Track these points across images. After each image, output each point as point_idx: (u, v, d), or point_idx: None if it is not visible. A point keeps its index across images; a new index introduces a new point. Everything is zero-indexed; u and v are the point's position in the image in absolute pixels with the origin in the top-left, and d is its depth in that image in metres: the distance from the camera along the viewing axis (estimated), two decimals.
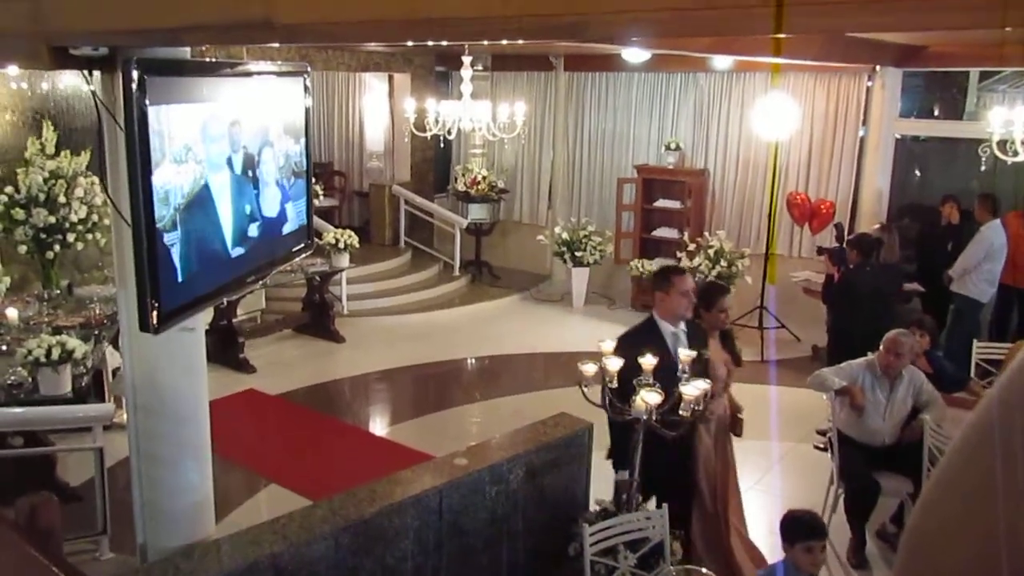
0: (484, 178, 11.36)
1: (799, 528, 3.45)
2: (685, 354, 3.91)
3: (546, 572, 4.26)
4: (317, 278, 8.95)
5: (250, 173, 3.42)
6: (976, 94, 9.33)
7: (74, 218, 6.79)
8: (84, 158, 7.00)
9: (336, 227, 9.70)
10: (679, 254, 9.77)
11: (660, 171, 10.41)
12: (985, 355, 6.30)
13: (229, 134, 3.24)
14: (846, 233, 8.43)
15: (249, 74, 3.51)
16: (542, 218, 11.80)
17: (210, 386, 3.89)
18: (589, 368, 3.94)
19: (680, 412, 3.76)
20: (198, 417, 3.78)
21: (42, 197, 6.68)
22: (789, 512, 3.58)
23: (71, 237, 6.84)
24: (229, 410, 6.91)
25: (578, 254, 10.35)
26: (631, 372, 3.87)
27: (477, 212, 11.42)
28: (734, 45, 6.26)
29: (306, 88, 3.93)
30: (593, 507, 4.33)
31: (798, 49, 6.51)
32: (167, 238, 2.84)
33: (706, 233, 9.76)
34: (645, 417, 3.83)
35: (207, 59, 3.53)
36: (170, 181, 2.82)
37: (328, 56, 10.27)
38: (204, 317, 4.01)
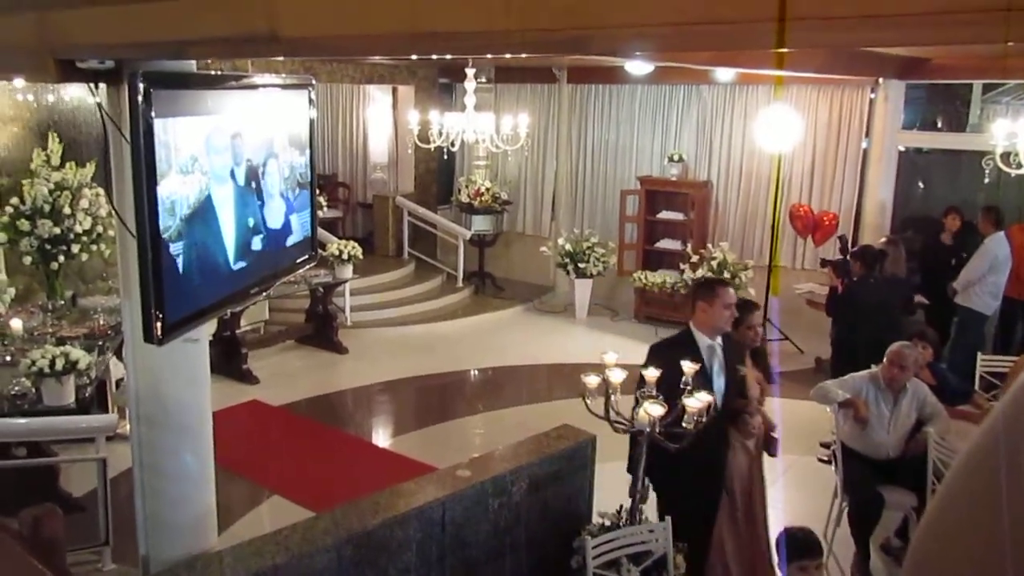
0: (487, 189, 11.39)
1: (793, 547, 3.40)
2: (688, 366, 3.90)
3: None
4: (320, 289, 8.96)
5: (254, 185, 3.43)
6: (979, 106, 9.34)
7: (79, 229, 6.81)
8: (89, 169, 7.03)
9: (340, 238, 9.72)
10: (682, 266, 9.78)
11: (663, 183, 10.42)
12: (989, 368, 6.28)
13: (234, 146, 3.25)
14: (850, 245, 8.43)
15: (254, 87, 3.53)
16: (545, 229, 11.82)
17: (213, 397, 3.90)
18: (592, 380, 3.94)
19: (684, 424, 3.75)
20: (201, 428, 3.78)
21: (47, 208, 6.70)
22: (785, 529, 3.55)
23: (76, 248, 6.86)
24: (232, 421, 6.91)
25: (581, 265, 10.35)
26: (664, 382, 3.80)
27: (480, 223, 11.45)
28: (737, 58, 6.28)
29: (310, 100, 3.95)
30: (596, 519, 4.32)
31: (801, 62, 6.53)
32: (172, 249, 2.85)
33: (709, 245, 9.77)
34: (648, 429, 3.83)
35: (212, 72, 3.55)
36: (175, 192, 2.84)
37: (332, 68, 10.32)
38: (208, 328, 4.01)
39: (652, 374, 3.81)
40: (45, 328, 6.12)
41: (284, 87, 3.83)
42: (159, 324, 2.83)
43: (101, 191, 6.86)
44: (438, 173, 12.43)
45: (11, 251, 6.89)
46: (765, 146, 9.09)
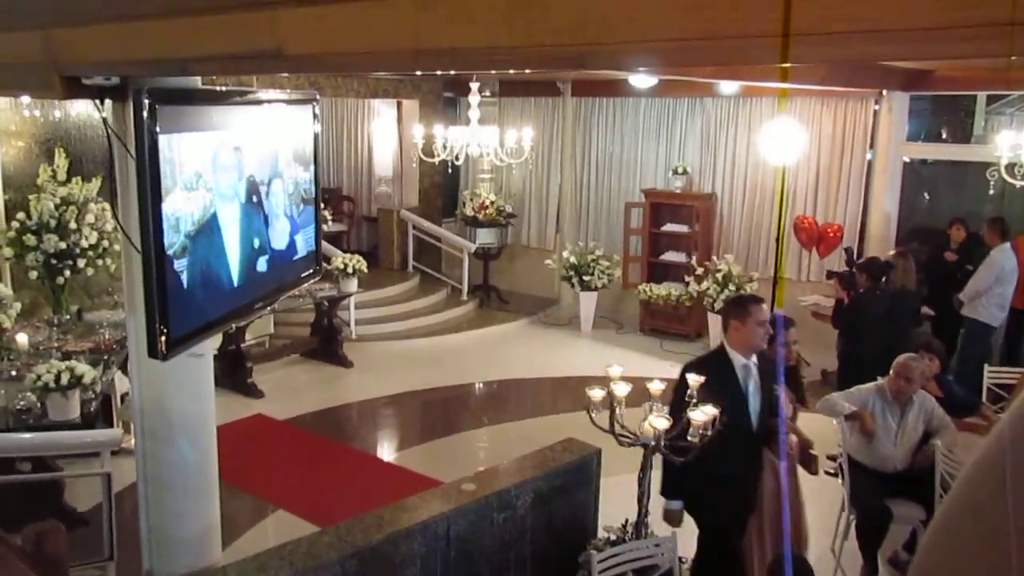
0: (492, 203, 11.40)
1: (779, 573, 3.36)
2: (693, 379, 3.89)
3: None
4: (325, 303, 8.97)
5: (255, 200, 3.44)
6: (984, 117, 9.34)
7: (85, 244, 6.83)
8: (95, 184, 7.06)
9: (345, 252, 9.73)
10: (687, 278, 9.77)
11: (668, 195, 10.42)
12: (996, 379, 6.25)
13: (239, 162, 3.27)
14: (856, 257, 8.40)
15: (259, 102, 3.55)
16: (550, 242, 11.82)
17: (218, 411, 3.90)
18: (597, 393, 3.93)
19: (689, 438, 3.74)
20: (205, 442, 3.78)
21: (53, 223, 6.73)
22: (774, 556, 3.51)
23: (81, 263, 6.88)
24: (237, 435, 6.91)
25: (586, 278, 10.35)
26: (694, 403, 3.73)
27: (485, 236, 11.46)
28: (740, 71, 6.29)
29: (315, 115, 3.96)
30: (602, 534, 4.30)
31: (804, 75, 6.54)
32: (177, 265, 2.86)
33: (714, 257, 9.76)
34: (653, 443, 3.82)
35: (217, 87, 3.57)
36: (180, 208, 2.85)
37: (337, 83, 10.36)
38: (212, 342, 4.02)
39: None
40: (50, 343, 6.13)
41: (289, 102, 3.84)
42: (163, 339, 2.84)
43: (107, 206, 6.89)
44: (442, 186, 12.46)
45: (17, 265, 6.91)
46: (769, 158, 9.09)
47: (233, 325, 6.91)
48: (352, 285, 9.19)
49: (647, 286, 10.25)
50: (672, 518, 4.16)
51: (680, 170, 10.35)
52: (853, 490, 4.97)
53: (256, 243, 3.46)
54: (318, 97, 4.03)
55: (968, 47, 1.46)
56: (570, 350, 9.86)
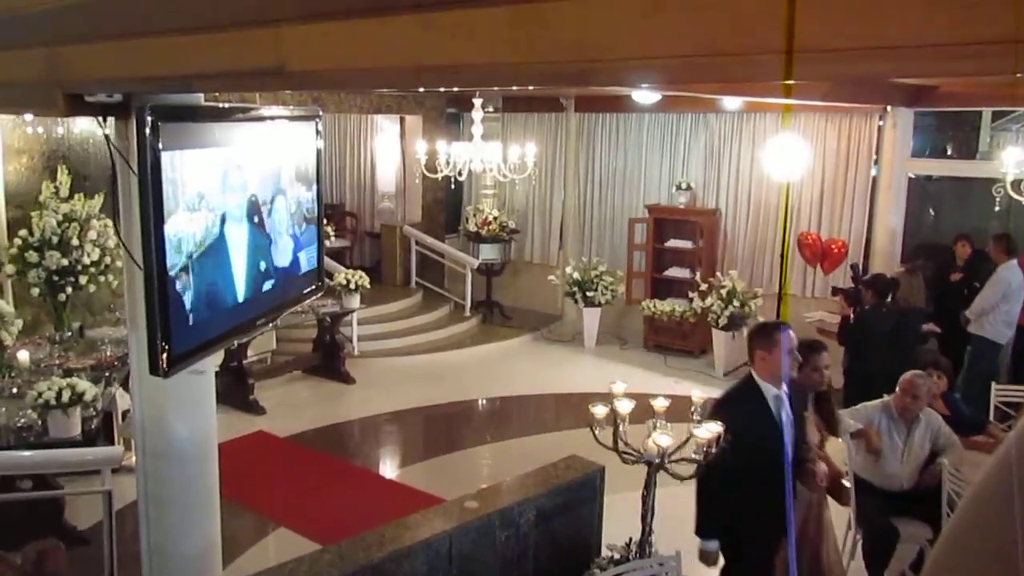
0: (495, 218, 11.41)
1: None
2: (697, 395, 3.85)
3: None
4: (328, 319, 8.96)
5: (256, 219, 3.43)
6: (989, 133, 9.32)
7: (87, 260, 6.84)
8: (97, 201, 7.07)
9: (347, 268, 9.73)
10: (691, 294, 9.75)
11: (671, 211, 10.42)
12: (1004, 397, 6.20)
13: (242, 179, 3.26)
14: (861, 273, 8.38)
15: (262, 119, 3.55)
16: (553, 258, 11.81)
17: (219, 428, 3.88)
18: (600, 410, 3.90)
19: (692, 455, 3.71)
20: (207, 460, 3.76)
21: (55, 240, 6.74)
22: None
23: (83, 279, 6.89)
24: (238, 452, 6.89)
25: (589, 294, 10.33)
26: (732, 441, 3.66)
27: (488, 252, 11.46)
28: (743, 87, 6.29)
29: (318, 131, 3.96)
30: (605, 552, 4.27)
31: (806, 91, 6.54)
32: (178, 283, 2.85)
33: (718, 273, 9.74)
34: (657, 460, 3.79)
35: (220, 104, 3.57)
36: (183, 228, 2.84)
37: (340, 99, 10.40)
38: (214, 359, 4.01)
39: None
40: (52, 359, 6.12)
41: (291, 119, 3.84)
42: (165, 356, 2.83)
43: (109, 222, 6.90)
44: (445, 202, 12.48)
45: (19, 282, 6.92)
46: (773, 174, 9.08)
47: (235, 342, 6.91)
48: (355, 301, 9.19)
49: (651, 302, 10.23)
50: (708, 559, 3.99)
51: (684, 185, 10.35)
52: (859, 509, 4.92)
53: (258, 260, 3.45)
54: (321, 113, 4.03)
55: (972, 64, 1.44)
56: (573, 366, 9.84)
